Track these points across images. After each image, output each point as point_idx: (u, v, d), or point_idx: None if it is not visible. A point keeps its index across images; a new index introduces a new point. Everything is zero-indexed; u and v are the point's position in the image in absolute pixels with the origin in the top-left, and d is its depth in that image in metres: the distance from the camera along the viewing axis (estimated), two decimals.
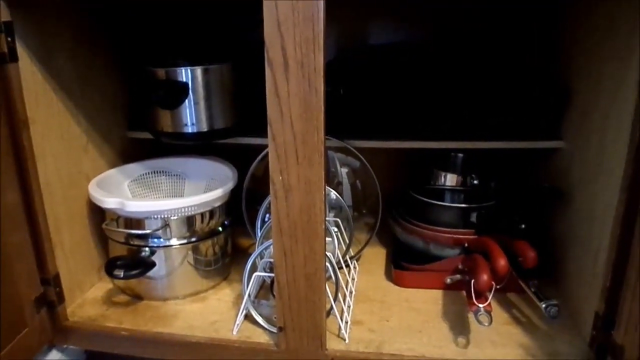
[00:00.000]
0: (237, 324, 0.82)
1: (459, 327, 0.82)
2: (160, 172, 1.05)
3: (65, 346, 0.89)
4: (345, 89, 0.93)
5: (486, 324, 0.74)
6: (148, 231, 0.86)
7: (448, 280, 0.89)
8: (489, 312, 0.75)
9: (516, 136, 0.90)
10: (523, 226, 0.88)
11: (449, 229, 0.92)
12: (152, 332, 0.83)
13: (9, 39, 0.71)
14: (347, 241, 0.96)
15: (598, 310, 0.73)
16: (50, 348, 0.88)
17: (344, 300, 0.85)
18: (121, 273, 0.83)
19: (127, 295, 0.92)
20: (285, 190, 0.67)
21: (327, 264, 0.76)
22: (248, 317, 0.84)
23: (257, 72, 0.65)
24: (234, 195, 0.96)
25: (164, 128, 0.92)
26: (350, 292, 0.90)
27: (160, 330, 0.83)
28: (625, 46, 0.69)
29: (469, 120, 0.93)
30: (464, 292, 0.83)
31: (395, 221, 1.00)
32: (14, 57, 0.72)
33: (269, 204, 0.70)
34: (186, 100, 0.88)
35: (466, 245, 0.90)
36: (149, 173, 1.03)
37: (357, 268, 0.99)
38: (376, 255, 1.06)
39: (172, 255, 0.88)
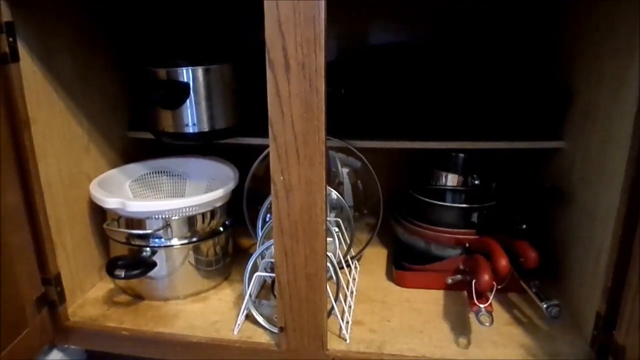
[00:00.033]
0: (238, 324, 0.82)
1: (460, 327, 0.82)
2: (161, 172, 1.05)
3: (66, 346, 0.89)
4: (347, 90, 0.93)
5: (487, 324, 0.74)
6: (149, 231, 0.86)
7: (449, 281, 0.89)
8: (490, 312, 0.75)
9: (517, 136, 0.90)
10: (524, 226, 0.88)
11: (450, 229, 0.92)
12: (153, 332, 0.83)
13: (10, 39, 0.71)
14: (348, 241, 0.96)
15: (599, 310, 0.73)
16: (51, 348, 0.88)
17: (345, 301, 0.85)
18: (122, 273, 0.83)
19: (128, 295, 0.92)
20: (286, 190, 0.67)
21: (328, 264, 0.76)
22: (249, 317, 0.84)
23: (258, 72, 0.65)
24: (235, 196, 0.96)
25: (165, 128, 0.92)
26: (351, 293, 0.90)
27: (161, 330, 0.83)
28: (626, 46, 0.69)
29: (470, 121, 0.93)
30: (465, 293, 0.83)
31: (397, 221, 1.00)
32: (15, 57, 0.72)
33: (270, 204, 0.70)
34: (187, 101, 0.88)
35: (467, 245, 0.90)
36: (150, 173, 1.03)
37: (358, 268, 0.99)
38: (377, 255, 1.06)
39: (173, 255, 0.88)
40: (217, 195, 0.88)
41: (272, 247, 0.72)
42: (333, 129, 0.70)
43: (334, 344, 0.78)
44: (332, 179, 1.07)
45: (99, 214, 0.92)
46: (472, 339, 0.79)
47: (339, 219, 0.93)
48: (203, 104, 0.89)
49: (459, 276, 0.88)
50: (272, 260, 0.75)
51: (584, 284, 0.79)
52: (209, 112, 0.90)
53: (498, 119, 0.92)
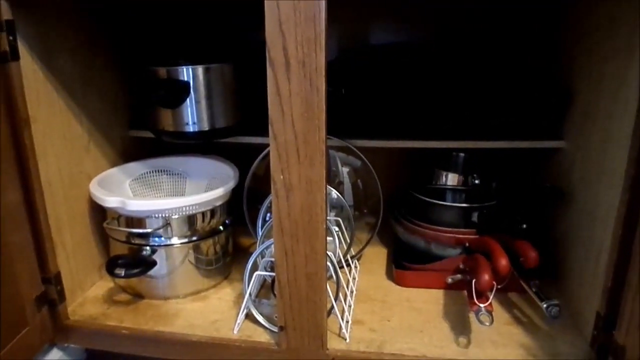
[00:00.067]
0: (238, 323, 0.82)
1: (460, 327, 0.82)
2: (161, 171, 1.05)
3: (66, 345, 0.89)
4: (347, 89, 0.93)
5: (487, 324, 0.74)
6: (149, 230, 0.86)
7: (449, 280, 0.89)
8: (490, 312, 0.75)
9: (518, 136, 0.90)
10: (524, 226, 0.88)
11: (450, 229, 0.92)
12: (153, 331, 0.83)
13: (11, 37, 0.71)
14: (348, 240, 0.96)
15: (599, 310, 0.73)
16: (51, 347, 0.88)
17: (345, 300, 0.85)
18: (122, 272, 0.83)
19: (128, 294, 0.93)
20: (286, 190, 0.67)
21: (328, 263, 0.75)
22: (249, 316, 0.84)
23: (258, 71, 0.65)
24: (235, 195, 0.96)
25: (165, 127, 0.92)
26: (351, 292, 0.90)
27: (161, 329, 0.83)
28: (626, 46, 0.69)
29: (470, 120, 0.93)
30: (465, 292, 0.83)
31: (397, 221, 1.00)
32: (15, 56, 0.72)
33: (270, 203, 0.70)
34: (187, 99, 0.88)
35: (467, 245, 0.90)
36: (150, 172, 1.03)
37: (358, 267, 0.99)
38: (377, 254, 1.06)
39: (173, 254, 0.88)
40: (217, 194, 0.88)
41: (272, 246, 0.72)
42: (333, 128, 0.70)
43: (333, 343, 0.78)
44: (333, 178, 1.07)
45: (99, 213, 0.92)
46: (472, 338, 0.79)
47: (339, 218, 0.93)
48: (203, 102, 0.89)
49: (459, 276, 0.88)
50: (272, 259, 0.75)
51: (584, 283, 0.79)
52: (209, 111, 0.90)
53: (498, 119, 0.92)
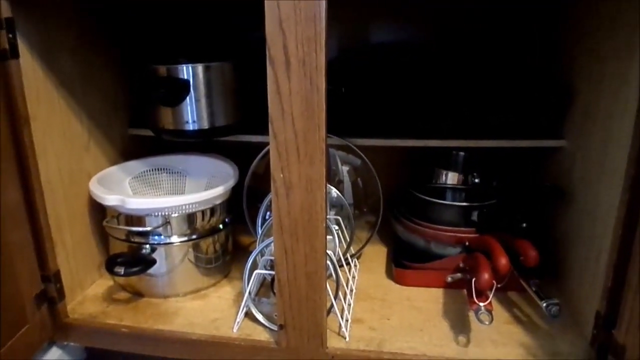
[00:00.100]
0: (238, 322, 0.82)
1: (460, 325, 0.82)
2: (161, 169, 1.05)
3: (65, 343, 0.89)
4: (347, 88, 0.93)
5: (487, 323, 0.74)
6: (149, 228, 0.86)
7: (449, 279, 0.89)
8: (489, 311, 0.75)
9: (518, 135, 0.90)
10: (524, 225, 0.88)
11: (450, 228, 0.92)
12: (153, 330, 0.83)
13: (10, 35, 0.71)
14: (348, 239, 0.96)
15: (599, 309, 0.73)
16: (51, 345, 0.88)
17: (345, 299, 0.85)
18: (122, 270, 0.83)
19: (127, 292, 0.92)
20: (286, 188, 0.67)
21: (328, 262, 0.75)
22: (248, 314, 0.84)
23: (258, 70, 0.65)
24: (235, 193, 0.96)
25: (165, 125, 0.92)
26: (351, 291, 0.90)
27: (160, 327, 0.83)
28: (626, 46, 0.69)
29: (470, 119, 0.93)
30: (465, 291, 0.83)
31: (397, 219, 1.00)
32: (15, 54, 0.72)
33: (270, 201, 0.70)
34: (187, 98, 0.88)
35: (467, 243, 0.90)
36: (149, 170, 1.03)
37: (358, 266, 0.99)
38: (377, 253, 1.06)
39: (172, 252, 0.88)
40: (216, 192, 0.88)
41: (272, 244, 0.72)
42: (333, 127, 0.70)
43: (333, 342, 0.78)
44: (332, 177, 1.07)
45: (99, 211, 0.92)
46: (471, 337, 0.79)
47: (338, 217, 0.93)
48: (203, 101, 0.89)
49: (458, 274, 0.88)
50: (272, 258, 0.75)
51: (584, 283, 0.79)
52: (209, 110, 0.90)
53: (499, 118, 0.92)
